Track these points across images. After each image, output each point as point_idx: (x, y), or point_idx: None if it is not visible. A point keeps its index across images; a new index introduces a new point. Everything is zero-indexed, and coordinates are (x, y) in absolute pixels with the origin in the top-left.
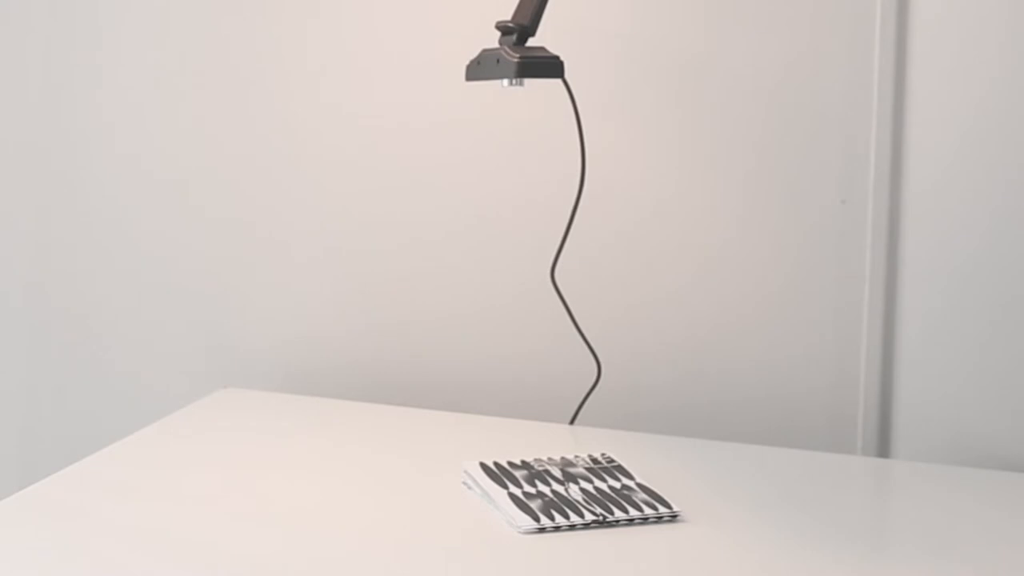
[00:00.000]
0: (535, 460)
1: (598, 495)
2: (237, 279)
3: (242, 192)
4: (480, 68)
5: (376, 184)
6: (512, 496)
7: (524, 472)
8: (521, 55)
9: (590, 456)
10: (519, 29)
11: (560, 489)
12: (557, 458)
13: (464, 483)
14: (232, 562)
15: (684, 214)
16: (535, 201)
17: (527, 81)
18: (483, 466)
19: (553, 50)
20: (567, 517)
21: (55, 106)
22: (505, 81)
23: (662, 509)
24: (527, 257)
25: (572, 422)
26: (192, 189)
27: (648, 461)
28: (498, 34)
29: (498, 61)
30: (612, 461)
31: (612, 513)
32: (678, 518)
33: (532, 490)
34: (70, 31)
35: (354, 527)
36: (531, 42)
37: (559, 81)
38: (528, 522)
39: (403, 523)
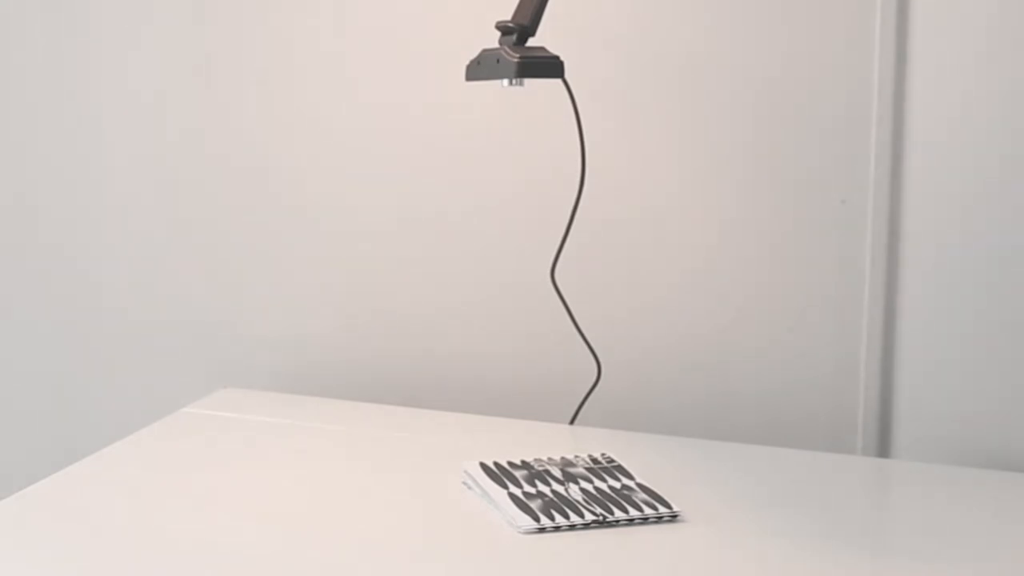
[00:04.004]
0: (535, 460)
1: (598, 495)
2: (237, 279)
3: (241, 192)
4: (480, 68)
5: (376, 186)
6: (512, 496)
7: (524, 472)
8: (521, 55)
9: (590, 456)
10: (519, 29)
11: (560, 489)
12: (557, 458)
13: (464, 483)
14: (232, 562)
15: (684, 214)
16: (535, 201)
17: (527, 81)
18: (483, 466)
19: (553, 50)
20: (567, 517)
21: (55, 105)
22: (505, 81)
23: (662, 509)
24: (527, 257)
25: (572, 422)
26: (191, 189)
27: (648, 461)
28: (498, 34)
29: (498, 61)
30: (612, 461)
31: (612, 513)
32: (678, 518)
33: (532, 490)
34: (70, 31)
35: (354, 527)
36: (531, 42)
37: (559, 81)
38: (528, 522)
39: (403, 523)
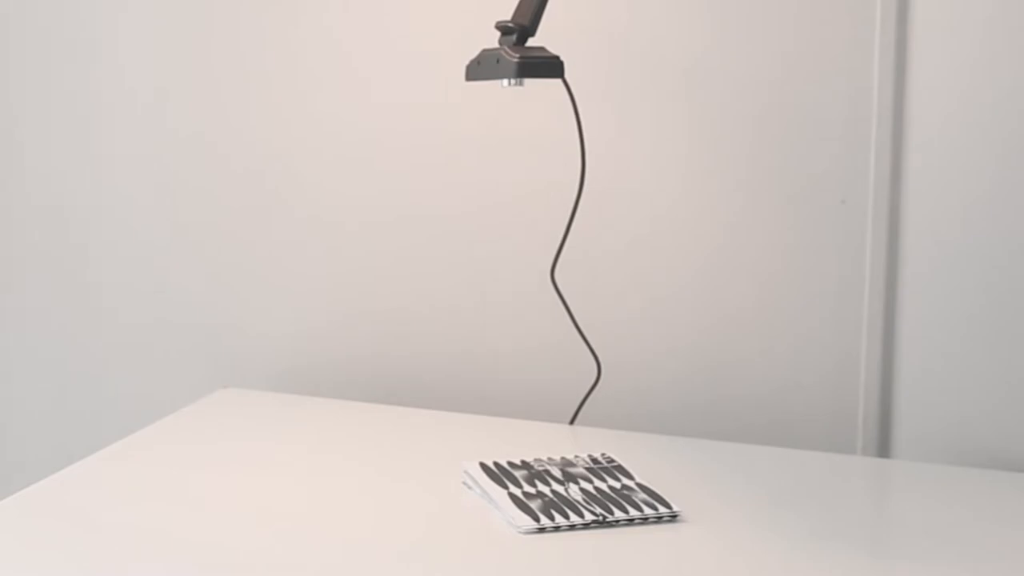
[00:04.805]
0: (535, 460)
1: (598, 495)
2: (236, 279)
3: (241, 192)
4: (480, 68)
5: (376, 186)
6: (512, 496)
7: (524, 472)
8: (521, 55)
9: (590, 456)
10: (519, 29)
11: (560, 489)
12: (557, 458)
13: (464, 483)
14: (232, 562)
15: (684, 213)
16: (535, 201)
17: (527, 81)
18: (483, 466)
19: (553, 50)
20: (567, 517)
21: (54, 105)
22: (505, 81)
23: (662, 509)
24: (527, 257)
25: (572, 422)
26: (190, 189)
27: (648, 461)
28: (498, 34)
29: (498, 61)
30: (612, 461)
31: (612, 513)
32: (678, 518)
33: (532, 490)
34: (69, 30)
35: (354, 527)
36: (531, 42)
37: (559, 81)
38: (528, 522)
39: (403, 523)
